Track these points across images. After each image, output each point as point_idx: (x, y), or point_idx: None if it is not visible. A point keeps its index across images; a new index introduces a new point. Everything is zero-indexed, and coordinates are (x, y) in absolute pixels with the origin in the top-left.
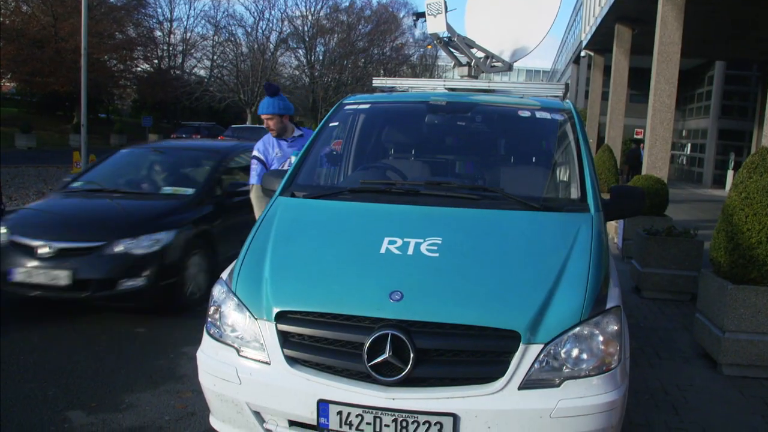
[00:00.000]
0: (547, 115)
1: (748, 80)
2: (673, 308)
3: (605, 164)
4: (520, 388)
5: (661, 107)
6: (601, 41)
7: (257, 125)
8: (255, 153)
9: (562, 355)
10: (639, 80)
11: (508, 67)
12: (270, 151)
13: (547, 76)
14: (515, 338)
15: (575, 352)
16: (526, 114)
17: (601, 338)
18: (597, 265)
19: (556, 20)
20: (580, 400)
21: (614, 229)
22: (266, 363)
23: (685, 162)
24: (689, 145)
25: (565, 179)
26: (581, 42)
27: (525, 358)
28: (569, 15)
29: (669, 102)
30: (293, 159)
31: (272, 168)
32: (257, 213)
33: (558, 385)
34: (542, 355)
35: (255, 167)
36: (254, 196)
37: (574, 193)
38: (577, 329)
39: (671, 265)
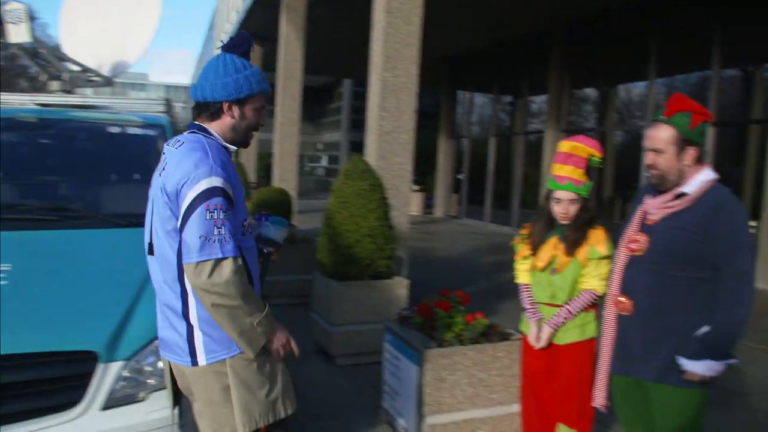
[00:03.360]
0: (138, 131)
1: None
2: (297, 311)
3: None
4: (103, 409)
5: (287, 122)
6: None
7: None
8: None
9: (146, 368)
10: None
11: (107, 82)
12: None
13: (187, 91)
14: (93, 359)
15: (160, 364)
16: (117, 130)
17: None
18: None
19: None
20: (169, 410)
21: None
22: None
23: (322, 173)
24: (326, 157)
25: None
26: None
27: (106, 377)
28: (206, 29)
29: (294, 117)
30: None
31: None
32: None
33: (144, 399)
34: (125, 372)
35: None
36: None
37: None
38: (157, 341)
39: (295, 270)
